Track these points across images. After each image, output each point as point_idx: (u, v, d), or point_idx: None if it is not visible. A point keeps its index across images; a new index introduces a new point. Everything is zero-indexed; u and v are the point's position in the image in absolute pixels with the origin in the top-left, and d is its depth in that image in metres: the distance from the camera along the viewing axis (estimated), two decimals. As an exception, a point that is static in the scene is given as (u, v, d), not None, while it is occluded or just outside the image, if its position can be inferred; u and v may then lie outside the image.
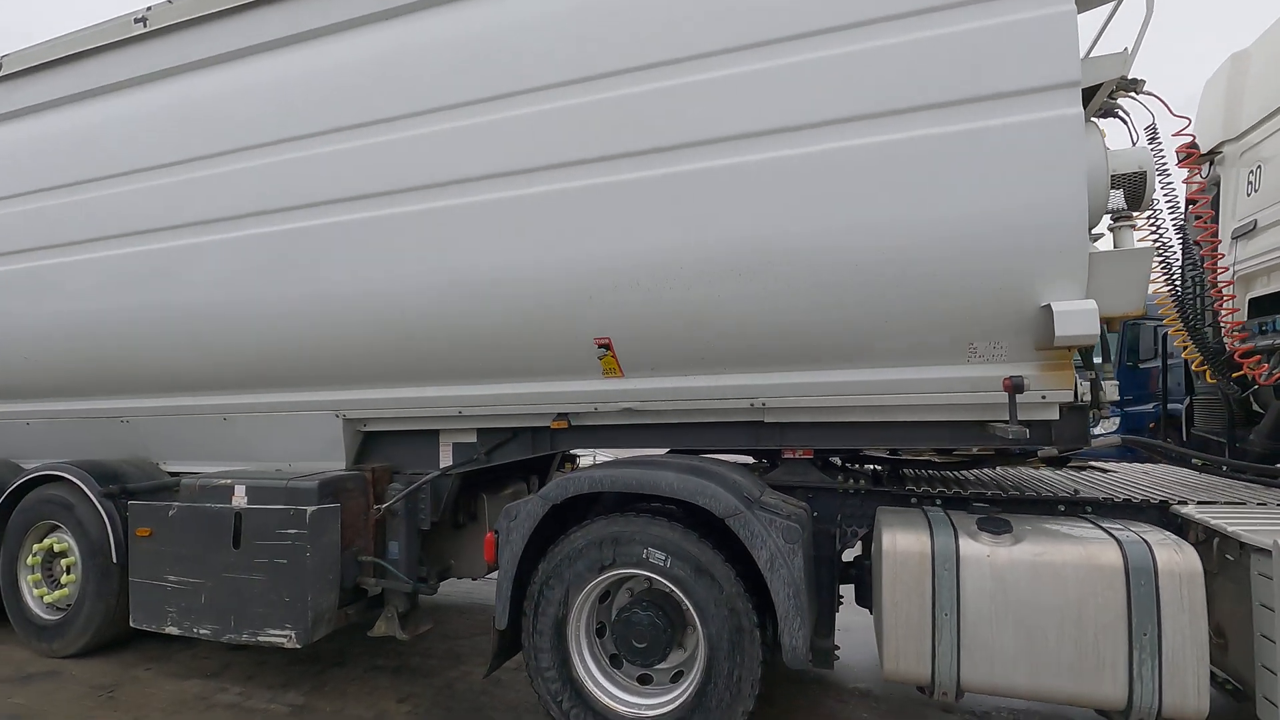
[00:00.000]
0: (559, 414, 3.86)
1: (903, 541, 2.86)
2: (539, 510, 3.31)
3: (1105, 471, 4.16)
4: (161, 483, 4.80)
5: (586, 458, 5.87)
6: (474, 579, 4.82)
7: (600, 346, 3.48)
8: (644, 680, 3.35)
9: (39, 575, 4.73)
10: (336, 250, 3.83)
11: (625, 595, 3.41)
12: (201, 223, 4.18)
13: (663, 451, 3.92)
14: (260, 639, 3.81)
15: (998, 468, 4.04)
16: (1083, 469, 4.31)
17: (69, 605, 4.64)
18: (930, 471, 3.93)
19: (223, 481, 4.10)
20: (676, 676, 3.30)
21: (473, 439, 4.29)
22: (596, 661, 3.33)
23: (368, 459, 4.55)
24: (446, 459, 4.36)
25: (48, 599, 4.61)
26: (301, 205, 3.83)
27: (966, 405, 3.17)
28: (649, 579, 3.28)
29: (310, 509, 3.76)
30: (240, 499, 4.03)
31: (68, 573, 4.61)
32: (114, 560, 4.43)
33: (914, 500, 3.45)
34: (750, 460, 4.12)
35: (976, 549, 2.78)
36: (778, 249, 3.03)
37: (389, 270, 3.73)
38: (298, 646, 3.75)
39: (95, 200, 4.54)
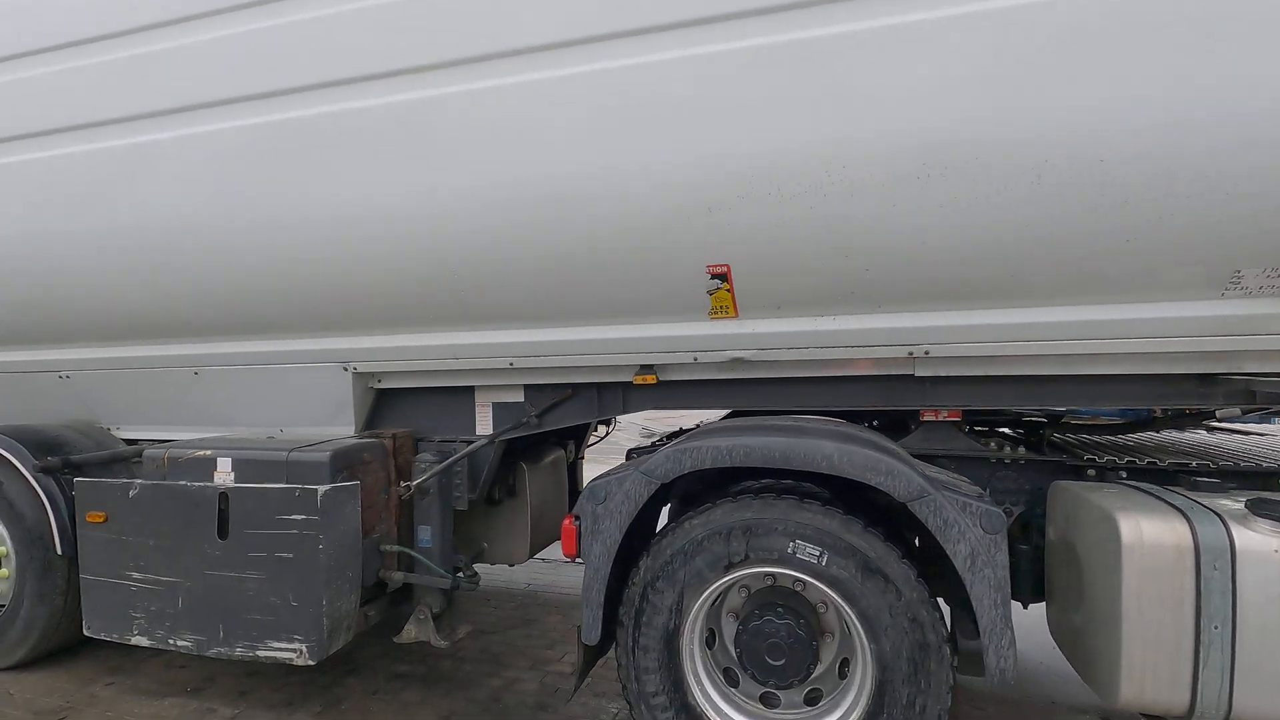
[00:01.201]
0: (642, 366, 3.06)
1: (1151, 531, 2.17)
2: (642, 491, 2.52)
3: (1245, 434, 3.57)
4: (116, 453, 3.85)
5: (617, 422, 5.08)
6: (510, 565, 4.05)
7: (714, 277, 2.66)
8: (767, 701, 2.65)
9: (-41, 569, 3.80)
10: (350, 148, 2.89)
11: (737, 595, 2.68)
12: (161, 113, 3.15)
13: (724, 416, 3.17)
14: (260, 654, 2.98)
15: (1162, 430, 3.41)
16: (1214, 429, 3.72)
17: (2, 607, 3.72)
18: (1083, 436, 3.27)
19: (200, 453, 3.20)
20: (812, 697, 2.61)
21: (519, 397, 3.46)
22: (713, 681, 2.61)
23: (380, 423, 3.68)
24: (484, 422, 3.52)
25: (-28, 600, 3.69)
26: (306, 86, 2.85)
27: (1199, 354, 2.48)
28: (774, 576, 2.56)
29: (322, 488, 2.90)
30: (225, 475, 3.14)
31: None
32: (59, 552, 3.51)
33: (1091, 472, 2.79)
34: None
35: (1258, 542, 2.11)
36: (998, 141, 2.22)
37: (423, 176, 2.81)
38: (311, 663, 2.94)
39: (8, 84, 3.48)
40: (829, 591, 2.38)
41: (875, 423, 3.28)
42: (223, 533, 3.03)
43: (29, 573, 3.55)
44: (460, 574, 3.31)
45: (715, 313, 2.78)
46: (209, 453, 3.17)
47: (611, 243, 2.69)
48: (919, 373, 2.79)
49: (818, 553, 2.36)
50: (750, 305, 2.73)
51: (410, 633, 3.30)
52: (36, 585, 3.54)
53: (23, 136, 3.48)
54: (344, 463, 3.07)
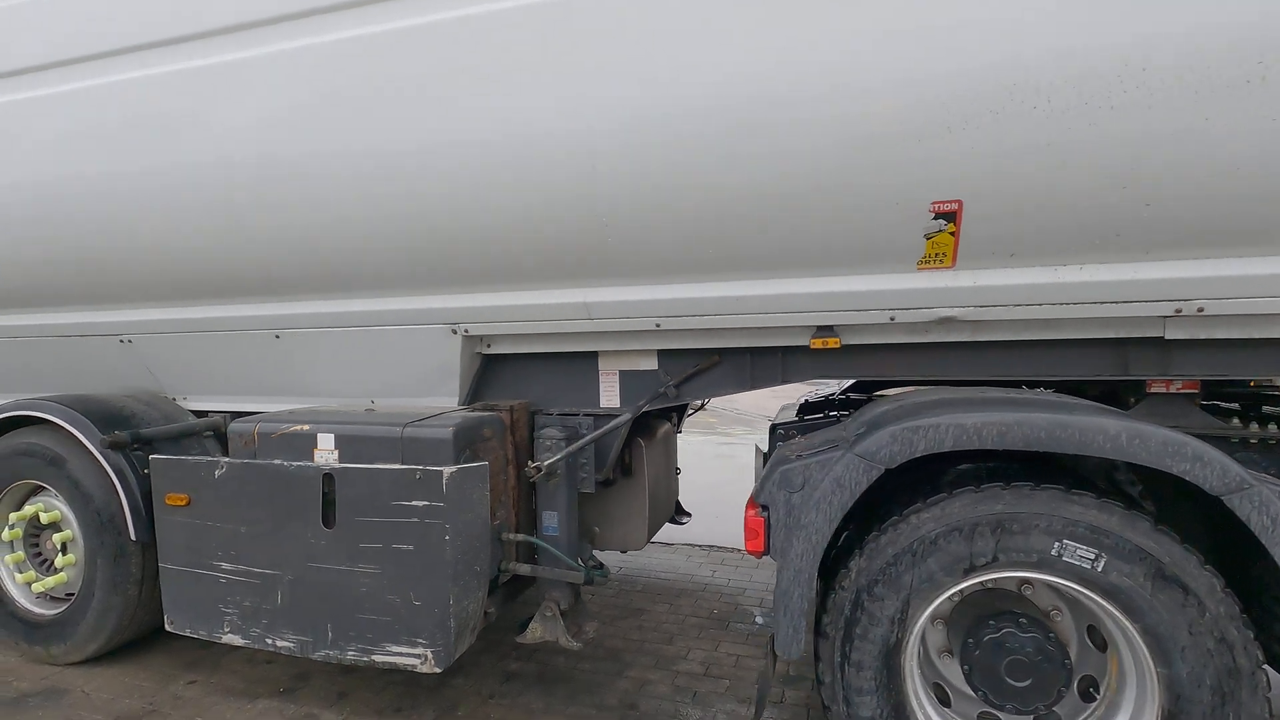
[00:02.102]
0: (820, 328, 2.59)
1: None
2: (859, 478, 2.07)
3: None
4: (187, 426, 3.44)
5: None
6: (624, 551, 3.65)
7: (939, 217, 2.17)
8: (987, 724, 2.24)
9: (21, 555, 3.41)
10: (469, 65, 2.41)
11: (946, 600, 2.24)
12: (241, 27, 2.70)
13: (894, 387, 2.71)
14: (377, 659, 2.60)
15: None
16: None
17: (71, 596, 3.36)
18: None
19: (297, 427, 2.78)
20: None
21: (651, 364, 3.00)
22: (933, 704, 2.19)
23: (484, 395, 3.26)
24: (610, 393, 3.08)
25: (38, 587, 3.30)
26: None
27: None
28: (1026, 582, 2.12)
29: (448, 470, 2.48)
30: (327, 454, 2.72)
31: (63, 552, 3.30)
32: (132, 537, 3.12)
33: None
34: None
35: None
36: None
37: (568, 90, 2.33)
38: (437, 670, 2.55)
39: (52, 3, 3.00)
40: (1104, 603, 1.93)
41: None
42: (328, 520, 2.63)
43: (100, 559, 3.17)
44: (595, 568, 2.90)
45: (927, 261, 2.29)
46: (307, 427, 2.75)
47: (805, 176, 2.20)
48: (1171, 334, 2.31)
49: (1092, 556, 1.91)
50: (975, 252, 2.24)
51: (536, 632, 2.91)
52: (109, 573, 3.16)
53: (67, 63, 3.02)
54: (466, 440, 2.64)
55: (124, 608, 3.18)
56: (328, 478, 2.61)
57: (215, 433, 3.59)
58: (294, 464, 2.67)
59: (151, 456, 2.93)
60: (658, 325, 2.69)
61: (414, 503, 2.51)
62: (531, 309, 2.81)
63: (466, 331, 2.94)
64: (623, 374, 3.06)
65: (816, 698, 2.42)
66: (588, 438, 2.81)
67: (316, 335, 3.16)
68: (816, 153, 2.18)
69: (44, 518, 3.25)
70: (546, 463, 2.75)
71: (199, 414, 3.66)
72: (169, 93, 2.85)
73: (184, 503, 2.88)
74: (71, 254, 3.25)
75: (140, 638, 3.46)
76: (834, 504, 2.09)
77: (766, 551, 2.22)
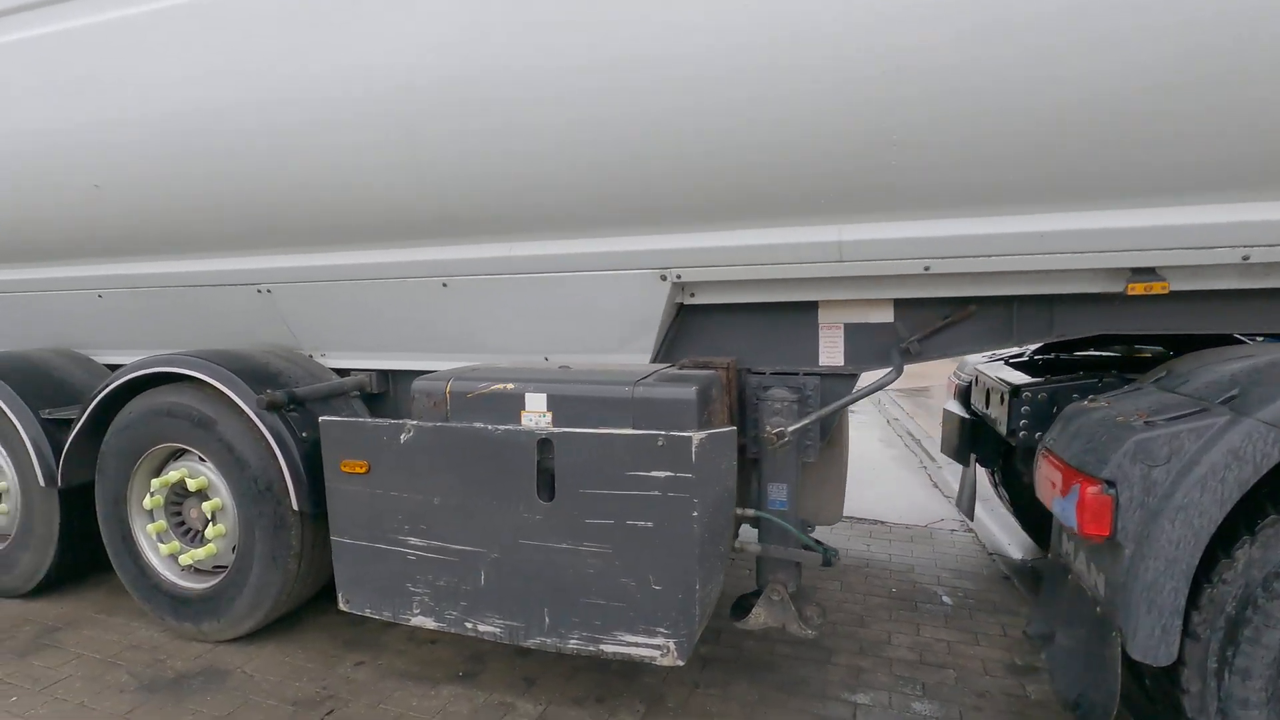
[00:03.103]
0: (1135, 270, 2.18)
1: None
2: (1272, 451, 1.70)
3: None
4: (337, 385, 3.12)
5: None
6: (814, 527, 3.32)
7: (1359, 126, 1.77)
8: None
9: (163, 524, 3.14)
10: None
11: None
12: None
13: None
14: (606, 649, 2.29)
15: None
16: None
17: (219, 569, 3.09)
18: None
19: (501, 386, 2.44)
20: None
21: (885, 316, 2.63)
22: (1314, 717, 1.85)
23: (674, 350, 2.90)
24: (833, 347, 2.70)
25: (186, 559, 3.03)
26: None
27: None
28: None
29: (698, 436, 2.13)
30: (538, 415, 2.38)
31: (212, 522, 3.02)
32: (294, 507, 2.83)
33: None
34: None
35: None
36: None
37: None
38: (679, 663, 2.24)
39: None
40: None
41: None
42: (546, 492, 2.30)
43: (257, 530, 2.88)
44: (823, 546, 2.56)
45: (1314, 186, 1.88)
46: (512, 386, 2.41)
47: (1164, 70, 1.79)
48: None
49: None
50: (1385, 173, 1.83)
51: (759, 617, 2.58)
52: (268, 545, 2.88)
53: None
54: (706, 402, 2.29)
55: (283, 583, 2.91)
56: (544, 444, 2.28)
57: (362, 392, 3.28)
58: (500, 428, 2.33)
59: (322, 419, 2.61)
60: (927, 268, 2.29)
61: (654, 473, 2.16)
62: (765, 250, 2.42)
63: (679, 277, 2.57)
64: (848, 327, 2.68)
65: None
66: (846, 400, 2.45)
67: (494, 284, 2.80)
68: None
69: (191, 484, 2.97)
70: (792, 428, 2.40)
71: (341, 373, 3.35)
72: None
73: (363, 470, 2.56)
74: (214, 190, 2.90)
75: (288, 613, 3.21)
76: (1228, 481, 1.70)
77: (1112, 535, 1.86)
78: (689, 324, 2.84)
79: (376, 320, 3.10)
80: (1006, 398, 2.78)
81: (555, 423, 2.34)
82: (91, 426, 3.19)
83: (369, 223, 2.80)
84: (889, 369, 2.52)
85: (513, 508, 2.33)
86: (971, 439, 3.61)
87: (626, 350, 2.82)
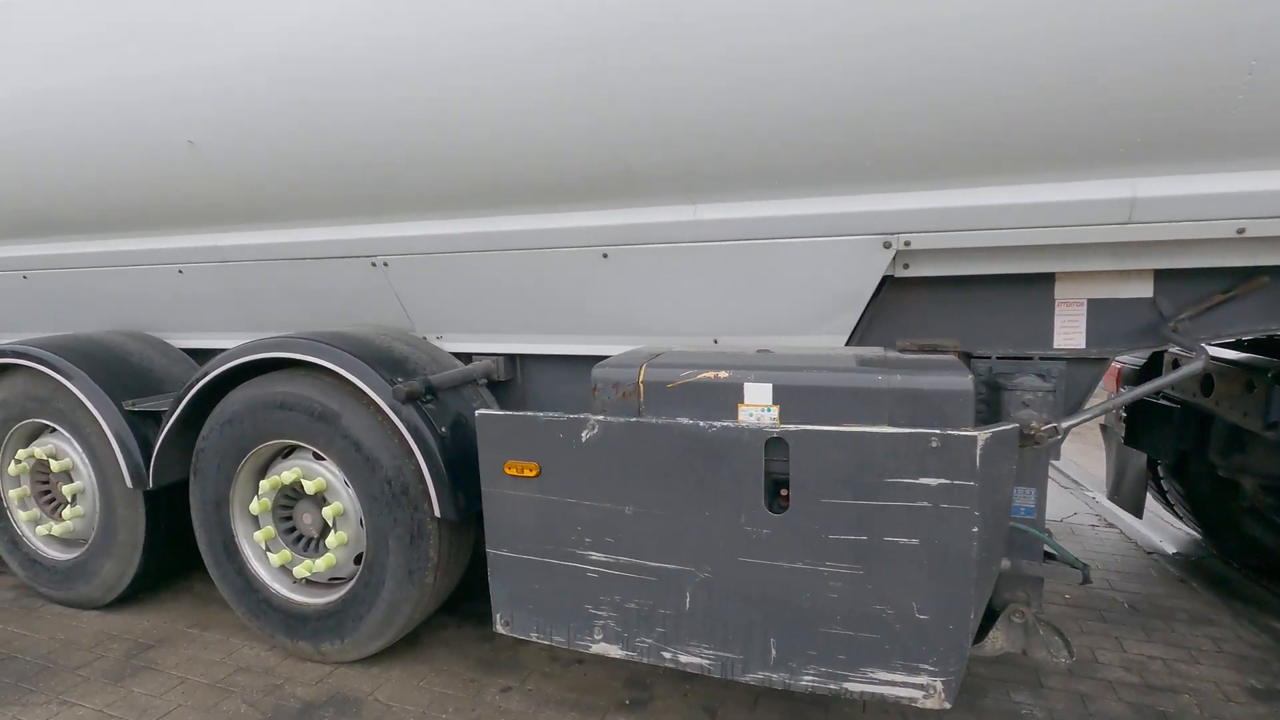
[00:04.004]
0: None
1: None
2: None
3: None
4: (467, 372, 2.73)
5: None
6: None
7: None
8: None
9: (272, 531, 2.77)
10: None
11: None
12: None
13: None
14: (851, 686, 1.92)
15: None
16: None
17: (338, 581, 2.72)
18: None
19: (710, 374, 2.05)
20: None
21: (1144, 290, 2.23)
22: None
23: (876, 332, 2.51)
24: (1072, 327, 2.31)
25: (300, 571, 2.67)
26: None
27: None
28: None
29: (983, 436, 1.75)
30: (759, 409, 2.00)
31: (332, 529, 2.65)
32: (435, 513, 2.46)
33: None
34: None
35: None
36: None
37: None
38: (945, 706, 1.88)
39: None
40: None
41: None
42: (775, 502, 1.93)
43: (391, 540, 2.51)
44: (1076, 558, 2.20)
45: None
46: (726, 375, 2.03)
47: None
48: None
49: None
50: None
51: (996, 642, 2.21)
52: (403, 557, 2.50)
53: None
54: (979, 392, 1.91)
55: (419, 599, 2.54)
56: (775, 444, 1.90)
57: (489, 380, 2.90)
58: (715, 425, 1.95)
59: (479, 413, 2.22)
60: (1241, 231, 1.90)
61: (923, 480, 1.79)
62: (1028, 211, 2.02)
63: (906, 244, 2.18)
64: (1092, 303, 2.29)
65: None
66: (1148, 386, 2.07)
67: (668, 254, 2.40)
68: None
69: (308, 486, 2.59)
70: (1068, 424, 2.01)
71: (463, 358, 2.96)
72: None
73: (533, 473, 2.18)
74: (333, 149, 2.48)
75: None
76: None
77: None
78: (888, 301, 2.45)
79: (513, 297, 2.70)
80: (1262, 384, 2.41)
81: (784, 418, 1.96)
82: (184, 420, 2.81)
83: (525, 181, 2.38)
84: (1184, 358, 2.14)
85: (731, 519, 1.96)
86: (1147, 426, 3.25)
87: (818, 331, 2.43)
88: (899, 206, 2.13)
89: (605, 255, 2.47)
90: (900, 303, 2.43)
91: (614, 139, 2.19)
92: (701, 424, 1.96)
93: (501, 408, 2.91)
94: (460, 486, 2.47)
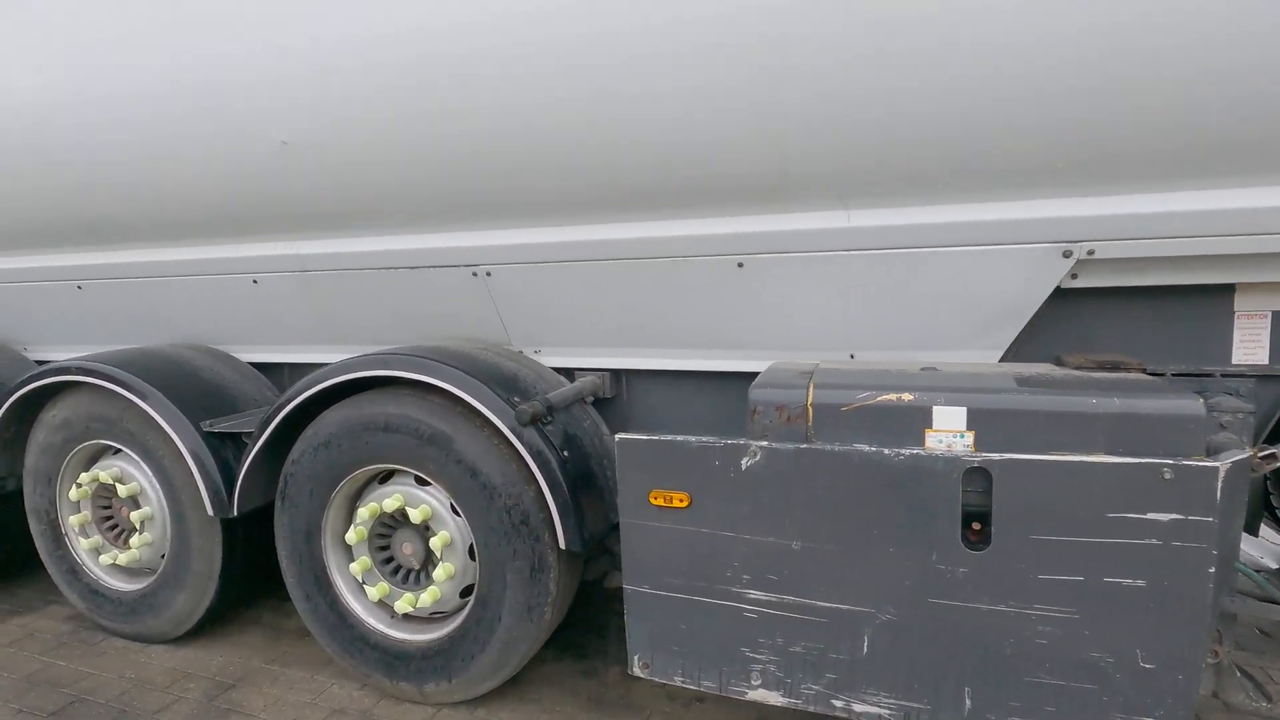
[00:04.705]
0: None
1: None
2: None
3: None
4: (578, 390, 2.54)
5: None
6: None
7: None
8: None
9: (368, 561, 2.57)
10: None
11: None
12: None
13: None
14: (1062, 743, 1.76)
15: None
16: None
17: (445, 616, 2.52)
18: None
19: (891, 396, 1.88)
20: None
21: (1340, 301, 2.09)
22: None
23: (1032, 347, 2.33)
24: (1254, 342, 2.14)
25: (403, 606, 2.46)
26: None
27: None
28: None
29: (1225, 466, 1.58)
30: (951, 435, 1.82)
31: (439, 560, 2.45)
32: (561, 545, 2.27)
33: None
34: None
35: None
36: None
37: None
38: (1171, 764, 1.72)
39: None
40: None
41: None
42: (974, 538, 1.75)
43: (509, 574, 2.31)
44: (1273, 593, 2.03)
45: None
46: (911, 397, 1.85)
47: None
48: None
49: None
50: None
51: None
52: (523, 592, 2.31)
53: None
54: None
55: (536, 636, 2.34)
56: (974, 475, 1.73)
57: (596, 398, 2.72)
58: (903, 453, 1.77)
59: (619, 437, 2.04)
60: None
61: (1153, 515, 1.62)
62: (1215, 217, 1.86)
63: (1090, 253, 2.01)
64: (1277, 315, 2.14)
65: None
66: None
67: (814, 263, 2.23)
68: None
69: (414, 515, 2.39)
70: (1290, 450, 1.85)
71: (566, 375, 2.77)
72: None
73: (683, 503, 2.00)
74: (437, 151, 2.30)
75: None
76: None
77: None
78: (1043, 313, 2.27)
79: (627, 309, 2.51)
80: None
81: (979, 444, 1.79)
82: (270, 443, 2.61)
83: (662, 187, 2.21)
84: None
85: (919, 557, 1.78)
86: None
87: (969, 347, 2.26)
88: (1084, 213, 1.96)
89: (740, 265, 2.29)
90: (1058, 316, 2.26)
91: (777, 139, 2.02)
92: (887, 452, 1.79)
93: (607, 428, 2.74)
94: (583, 515, 2.28)
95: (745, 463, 1.92)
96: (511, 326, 2.75)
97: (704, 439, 1.97)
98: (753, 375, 2.58)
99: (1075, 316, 2.25)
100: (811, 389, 1.93)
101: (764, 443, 1.91)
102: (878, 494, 1.80)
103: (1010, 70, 1.78)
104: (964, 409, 1.79)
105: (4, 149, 2.85)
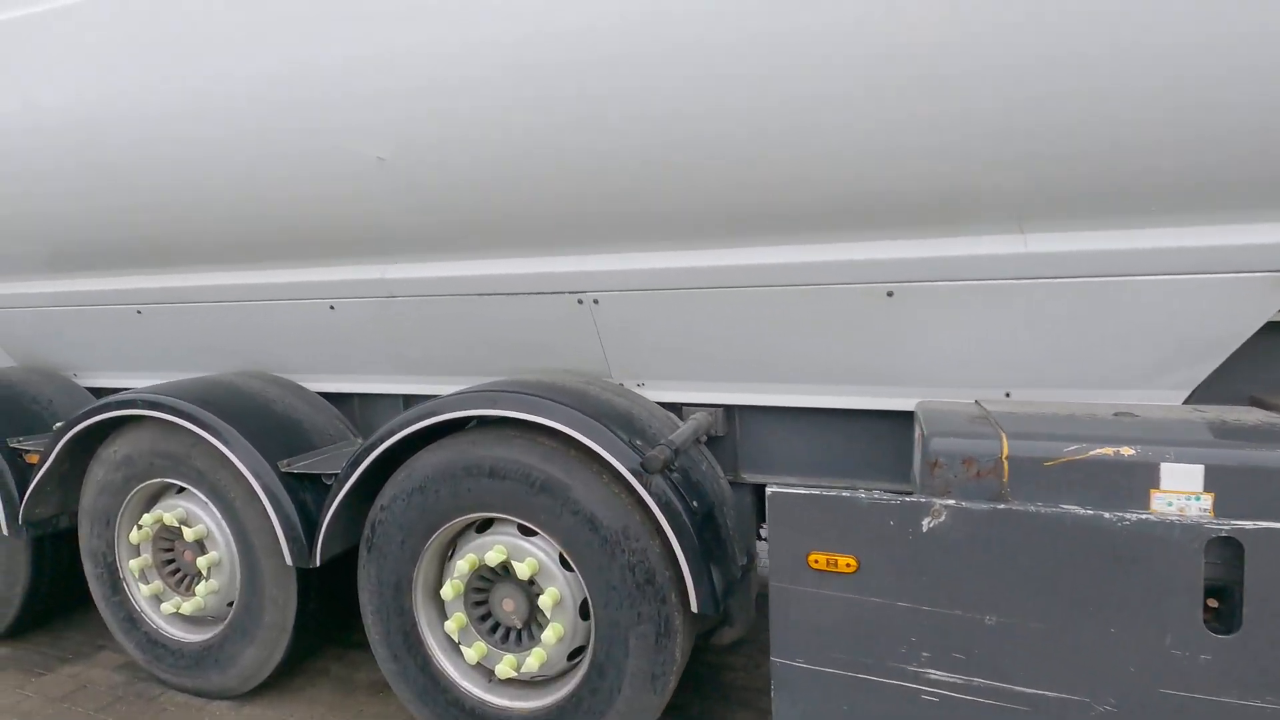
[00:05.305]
0: None
1: None
2: None
3: None
4: (694, 430, 2.31)
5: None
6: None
7: None
8: None
9: (464, 618, 2.33)
10: None
11: None
12: None
13: None
14: None
15: None
16: None
17: (549, 682, 2.27)
18: None
19: (1108, 450, 1.64)
20: None
21: None
22: None
23: (1207, 388, 2.08)
24: None
25: (505, 670, 2.18)
26: None
27: None
28: None
29: None
30: (1184, 496, 1.58)
31: (548, 620, 2.21)
32: (693, 609, 2.02)
33: None
34: None
35: None
36: None
37: None
38: None
39: None
40: None
41: None
42: (1222, 620, 1.50)
43: (633, 639, 2.05)
44: None
45: None
46: (1131, 451, 1.61)
47: None
48: None
49: None
50: None
51: None
52: (646, 660, 2.05)
53: None
54: None
55: (658, 708, 2.09)
56: (1220, 545, 1.48)
57: (710, 437, 2.48)
58: (1129, 518, 1.53)
59: (772, 490, 1.80)
60: None
61: None
62: None
63: (1316, 283, 1.77)
64: None
65: None
66: None
67: (977, 291, 1.98)
68: None
69: (520, 570, 2.16)
70: None
71: (675, 412, 2.54)
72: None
73: (850, 568, 1.76)
74: (554, 171, 2.08)
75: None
76: None
77: None
78: (1241, 349, 2.02)
79: (750, 340, 2.28)
80: None
81: (1219, 508, 1.54)
82: (356, 487, 2.39)
83: (806, 208, 1.98)
84: None
85: (1149, 639, 1.53)
86: None
87: (1154, 385, 2.01)
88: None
89: (890, 293, 2.06)
90: (1257, 351, 2.01)
91: (951, 150, 1.79)
92: (1108, 516, 1.54)
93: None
94: (713, 574, 2.04)
95: (927, 523, 1.68)
96: (614, 358, 2.52)
97: (875, 495, 1.73)
98: (885, 414, 2.35)
99: (1276, 351, 2.00)
100: (1005, 439, 1.69)
101: (950, 501, 1.66)
102: (1095, 564, 1.55)
103: (1253, 60, 1.55)
104: (1200, 466, 1.54)
105: (64, 166, 2.67)
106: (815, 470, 2.49)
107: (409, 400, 3.00)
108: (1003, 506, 1.62)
